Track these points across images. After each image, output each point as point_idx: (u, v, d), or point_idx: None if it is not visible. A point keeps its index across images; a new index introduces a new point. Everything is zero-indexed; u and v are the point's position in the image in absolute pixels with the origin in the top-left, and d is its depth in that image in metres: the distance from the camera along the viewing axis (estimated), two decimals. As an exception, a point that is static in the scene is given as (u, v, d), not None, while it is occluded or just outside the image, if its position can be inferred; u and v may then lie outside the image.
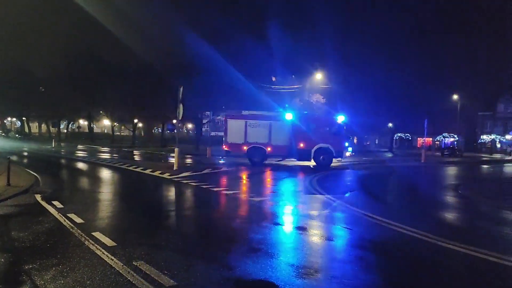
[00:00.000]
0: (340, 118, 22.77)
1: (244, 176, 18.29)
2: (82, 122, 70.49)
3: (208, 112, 45.25)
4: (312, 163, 22.84)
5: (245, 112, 23.38)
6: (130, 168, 18.50)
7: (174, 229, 7.80)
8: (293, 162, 24.58)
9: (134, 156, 29.31)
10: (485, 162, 38.92)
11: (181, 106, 17.44)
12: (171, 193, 12.70)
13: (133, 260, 5.29)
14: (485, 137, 64.77)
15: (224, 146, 23.24)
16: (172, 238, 6.67)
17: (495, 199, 12.51)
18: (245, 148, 22.62)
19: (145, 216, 8.57)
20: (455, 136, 65.49)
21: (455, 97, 56.84)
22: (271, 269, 5.25)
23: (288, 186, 14.63)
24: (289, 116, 22.40)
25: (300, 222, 8.32)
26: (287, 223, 8.39)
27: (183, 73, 33.35)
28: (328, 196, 11.71)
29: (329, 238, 7.07)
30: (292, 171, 20.16)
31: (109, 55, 36.56)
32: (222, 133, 76.06)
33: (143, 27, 31.99)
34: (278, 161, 25.36)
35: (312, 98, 43.65)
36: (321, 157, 21.99)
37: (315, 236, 7.23)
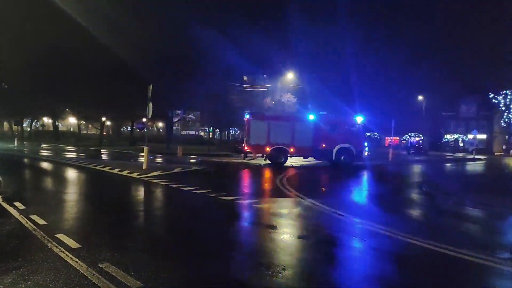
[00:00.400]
0: (359, 119, 23.42)
1: (216, 175, 18.21)
2: (47, 120, 67.87)
3: (179, 111, 44.76)
4: (293, 160, 23.05)
5: (268, 114, 23.36)
6: (97, 167, 18.00)
7: (142, 229, 7.65)
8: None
9: (102, 155, 28.54)
10: (448, 161, 40.49)
11: (150, 104, 17.12)
12: (140, 193, 12.45)
13: (98, 262, 5.14)
14: (449, 137, 67.48)
15: (245, 148, 23.10)
16: (140, 239, 6.54)
17: (457, 196, 13.04)
18: (267, 149, 22.53)
19: (112, 217, 8.36)
20: (421, 135, 67.81)
21: (421, 98, 58.82)
22: (240, 268, 5.25)
23: (261, 185, 14.67)
24: (311, 117, 22.82)
25: (271, 221, 8.35)
26: (256, 222, 8.40)
27: (153, 71, 32.77)
28: (298, 194, 11.84)
29: (277, 233, 7.14)
30: (268, 171, 20.23)
31: (75, 51, 35.29)
32: (193, 132, 75.15)
33: (112, 22, 31.08)
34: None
35: (284, 97, 43.98)
36: (342, 157, 22.55)
37: (281, 234, 7.29)
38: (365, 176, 20.99)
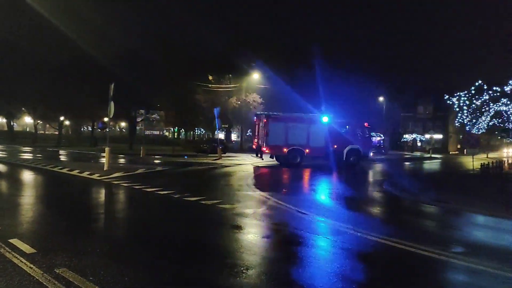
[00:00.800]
0: (366, 124, 25.50)
1: (181, 175, 17.97)
2: (1, 120, 64.31)
3: (142, 110, 43.79)
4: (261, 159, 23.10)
5: (285, 114, 24.00)
6: (55, 169, 17.26)
7: (102, 232, 7.42)
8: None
9: (60, 156, 27.42)
10: (407, 160, 42.10)
11: (112, 103, 16.64)
12: (100, 194, 12.07)
13: (54, 267, 4.94)
14: (407, 136, 70.20)
15: (265, 149, 23.09)
16: (100, 243, 6.34)
17: (414, 193, 13.59)
18: (285, 150, 22.91)
19: (70, 220, 8.05)
20: (381, 135, 70.11)
21: (381, 99, 60.83)
22: (203, 269, 5.21)
23: (227, 185, 14.62)
24: (325, 119, 23.51)
25: (235, 221, 8.35)
26: (220, 222, 8.37)
27: (116, 69, 31.84)
28: (263, 193, 11.91)
29: (251, 233, 7.19)
30: (235, 171, 20.19)
31: (31, 46, 33.62)
32: (157, 132, 73.55)
33: (71, 16, 29.85)
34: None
35: (249, 97, 44.06)
36: (352, 157, 23.82)
37: (245, 234, 7.31)
38: (329, 176, 21.44)
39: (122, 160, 24.81)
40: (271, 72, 44.57)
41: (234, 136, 69.75)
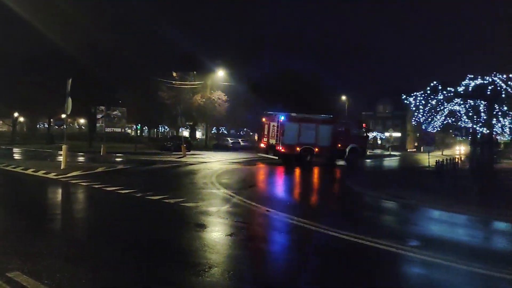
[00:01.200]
0: (364, 124, 28.23)
1: (143, 174, 17.58)
2: None
3: (103, 107, 42.38)
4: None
5: (298, 115, 24.77)
6: (8, 168, 16.37)
7: (59, 234, 7.12)
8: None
9: (14, 154, 26.06)
10: (368, 157, 43.38)
11: (69, 99, 15.97)
12: (57, 194, 11.59)
13: (6, 271, 4.67)
14: (368, 134, 72.43)
15: (280, 147, 23.51)
16: (56, 244, 6.08)
17: (374, 189, 14.04)
18: (298, 149, 23.75)
19: (24, 222, 7.64)
20: (344, 133, 71.93)
21: (344, 98, 62.37)
22: (165, 268, 5.13)
23: (191, 183, 14.43)
24: (331, 119, 25.25)
25: (199, 220, 8.27)
26: (183, 221, 8.27)
27: (75, 64, 30.58)
28: (227, 191, 11.88)
29: (207, 231, 7.16)
30: (199, 168, 19.98)
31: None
32: (119, 129, 71.66)
33: (26, 7, 28.31)
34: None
35: (214, 95, 43.77)
36: (352, 155, 25.47)
37: (208, 232, 7.27)
38: (293, 173, 21.73)
39: (81, 159, 23.93)
40: (236, 70, 44.51)
41: (199, 134, 69.12)
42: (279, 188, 14.70)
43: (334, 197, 13.07)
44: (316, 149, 24.29)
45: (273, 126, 24.23)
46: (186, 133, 58.24)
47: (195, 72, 44.69)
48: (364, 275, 5.45)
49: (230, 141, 47.82)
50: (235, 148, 44.83)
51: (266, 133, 24.98)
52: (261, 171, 20.65)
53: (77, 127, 75.53)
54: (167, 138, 48.73)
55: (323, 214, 9.76)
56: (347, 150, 25.31)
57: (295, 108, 54.78)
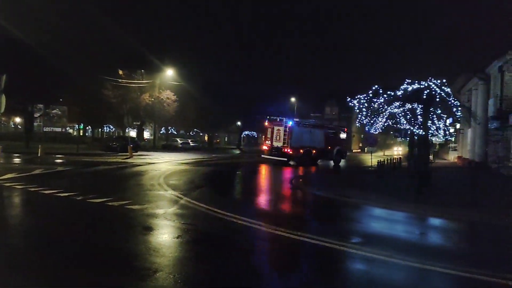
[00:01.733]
0: (345, 129, 32.49)
1: (85, 176, 16.76)
2: None
3: (41, 105, 39.85)
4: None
5: (301, 120, 28.06)
6: None
7: (-11, 241, 6.58)
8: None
9: None
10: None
11: (3, 96, 14.81)
12: (-12, 199, 10.69)
13: None
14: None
15: (289, 150, 25.45)
16: (-15, 253, 5.61)
17: (319, 189, 14.48)
18: (301, 151, 26.08)
19: None
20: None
21: (293, 99, 63.71)
22: (110, 274, 4.92)
23: (137, 185, 13.96)
24: (324, 125, 28.71)
25: (145, 223, 8.04)
26: (129, 224, 7.99)
27: (9, 59, 28.47)
28: (175, 193, 11.66)
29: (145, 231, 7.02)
30: (145, 170, 19.38)
31: None
32: (59, 129, 67.63)
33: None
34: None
35: (162, 94, 42.80)
36: (338, 156, 29.03)
37: (154, 235, 7.09)
38: (240, 174, 21.83)
39: (16, 160, 22.33)
40: (187, 70, 43.88)
41: (147, 134, 67.18)
42: (229, 189, 14.68)
43: (281, 197, 13.28)
44: (314, 151, 27.08)
45: (278, 130, 26.19)
46: (133, 133, 56.38)
47: (143, 70, 43.42)
48: (307, 271, 5.58)
49: (180, 141, 47.03)
50: (184, 149, 44.16)
51: (269, 136, 26.78)
52: (211, 172, 20.51)
53: (12, 126, 70.39)
54: (113, 138, 46.81)
55: (271, 214, 9.88)
56: (334, 151, 28.88)
57: (248, 111, 55.31)
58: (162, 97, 42.60)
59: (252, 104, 55.67)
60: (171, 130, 68.06)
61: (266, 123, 27.53)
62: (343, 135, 31.23)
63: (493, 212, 10.55)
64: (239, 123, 62.56)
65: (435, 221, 10.15)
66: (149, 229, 7.48)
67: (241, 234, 7.59)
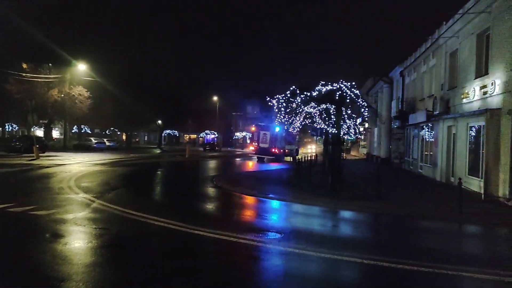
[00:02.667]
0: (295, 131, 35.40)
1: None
2: None
3: None
4: None
5: (284, 127, 29.19)
6: None
7: None
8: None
9: None
10: (238, 156, 45.20)
11: None
12: None
13: None
14: (238, 134, 75.41)
15: (275, 150, 31.94)
16: None
17: (239, 187, 14.69)
18: (282, 150, 32.54)
19: None
20: (215, 133, 73.36)
21: (215, 98, 63.66)
22: (12, 286, 4.47)
23: (44, 188, 12.80)
24: (278, 128, 30.33)
25: (52, 229, 7.43)
26: (34, 231, 7.33)
27: None
28: (87, 196, 10.97)
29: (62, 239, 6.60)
30: (55, 171, 17.83)
31: None
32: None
33: None
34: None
35: (74, 90, 39.85)
36: (294, 155, 33.97)
37: (61, 243, 6.62)
38: (162, 174, 21.26)
39: None
40: (102, 66, 41.42)
41: (56, 133, 61.94)
42: (147, 190, 14.18)
43: (202, 195, 13.20)
44: (287, 150, 33.84)
45: (264, 134, 32.70)
46: (40, 132, 51.60)
47: (50, 64, 39.97)
48: (223, 269, 5.63)
49: (94, 141, 44.16)
50: (100, 149, 41.61)
51: (256, 139, 33.49)
52: (128, 172, 19.61)
53: None
54: (16, 138, 42.29)
55: (190, 214, 9.76)
56: (294, 150, 35.56)
57: (170, 109, 53.85)
58: (73, 93, 39.67)
59: (173, 102, 54.46)
60: (85, 129, 63.70)
61: (253, 128, 35.15)
62: (293, 136, 35.47)
63: (395, 204, 11.66)
64: (159, 121, 60.73)
65: (346, 214, 10.90)
66: (56, 235, 6.94)
67: (158, 236, 7.40)
